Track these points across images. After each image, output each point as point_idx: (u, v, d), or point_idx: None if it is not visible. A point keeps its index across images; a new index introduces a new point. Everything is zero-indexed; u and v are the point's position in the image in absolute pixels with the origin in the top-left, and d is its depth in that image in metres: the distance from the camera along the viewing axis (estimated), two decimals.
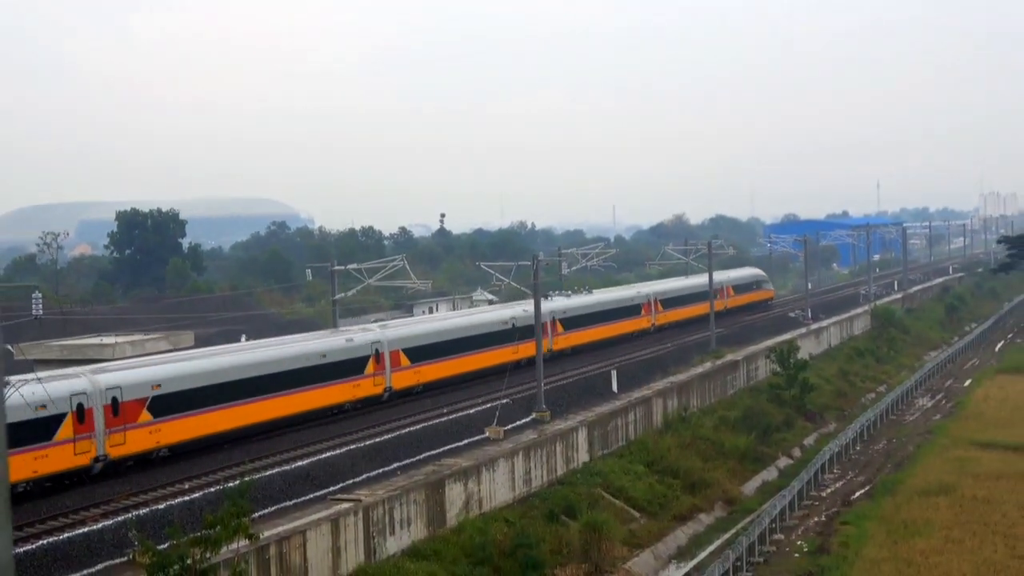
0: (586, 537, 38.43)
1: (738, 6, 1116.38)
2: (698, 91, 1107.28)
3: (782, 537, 43.74)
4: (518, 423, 47.39)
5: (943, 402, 74.07)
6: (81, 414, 35.17)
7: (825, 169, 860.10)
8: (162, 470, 37.38)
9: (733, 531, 44.94)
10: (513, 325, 58.46)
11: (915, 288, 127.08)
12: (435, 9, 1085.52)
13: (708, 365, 65.32)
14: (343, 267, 57.87)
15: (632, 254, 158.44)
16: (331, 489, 36.27)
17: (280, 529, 31.10)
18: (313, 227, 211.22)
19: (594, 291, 77.03)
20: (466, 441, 43.81)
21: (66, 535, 29.68)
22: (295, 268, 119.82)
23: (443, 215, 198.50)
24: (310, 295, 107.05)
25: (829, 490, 51.82)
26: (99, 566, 28.48)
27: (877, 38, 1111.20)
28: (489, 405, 48.36)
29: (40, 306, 59.01)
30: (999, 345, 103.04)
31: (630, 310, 75.52)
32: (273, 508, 33.88)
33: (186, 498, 33.58)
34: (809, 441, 62.81)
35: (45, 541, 29.13)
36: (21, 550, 27.85)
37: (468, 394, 52.25)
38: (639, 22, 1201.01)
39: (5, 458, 8.84)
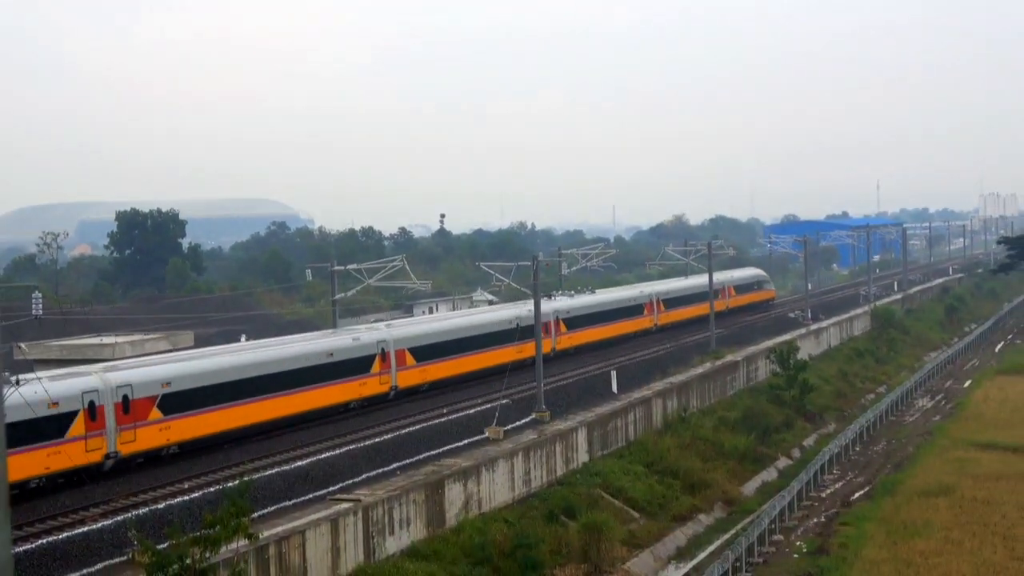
0: (585, 537, 38.44)
1: (738, 6, 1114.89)
2: (698, 91, 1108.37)
3: (781, 538, 43.75)
4: (518, 423, 47.40)
5: (943, 403, 74.05)
6: (93, 411, 35.46)
7: (825, 169, 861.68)
8: (162, 470, 37.45)
9: (732, 532, 44.89)
10: (517, 325, 58.54)
11: (915, 289, 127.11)
12: (435, 9, 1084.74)
13: (708, 366, 65.33)
14: (343, 267, 57.99)
15: (632, 254, 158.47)
16: (331, 489, 36.27)
17: (279, 529, 31.08)
18: (313, 227, 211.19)
19: (596, 291, 77.13)
20: (466, 441, 43.81)
21: (65, 535, 29.71)
22: (295, 268, 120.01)
23: (443, 215, 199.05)
24: (310, 295, 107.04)
25: (828, 491, 51.83)
26: (98, 566, 28.46)
27: (877, 38, 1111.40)
28: (489, 405, 48.39)
29: (40, 306, 59.17)
30: (999, 346, 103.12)
31: (632, 310, 75.63)
32: (273, 508, 33.88)
33: (185, 498, 33.60)
34: (809, 442, 62.77)
35: (44, 540, 29.14)
36: (20, 549, 27.80)
37: (468, 394, 52.33)
38: (639, 22, 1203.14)
39: (4, 458, 8.86)
